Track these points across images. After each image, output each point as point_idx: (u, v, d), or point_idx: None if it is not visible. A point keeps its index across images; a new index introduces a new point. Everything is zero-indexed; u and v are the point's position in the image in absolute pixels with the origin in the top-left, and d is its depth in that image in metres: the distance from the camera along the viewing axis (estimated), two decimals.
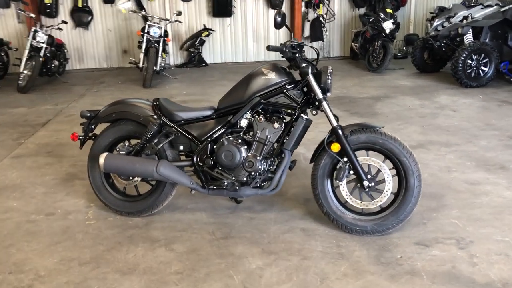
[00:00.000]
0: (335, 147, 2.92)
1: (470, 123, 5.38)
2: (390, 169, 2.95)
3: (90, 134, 3.39)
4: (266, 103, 3.04)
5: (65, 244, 3.01)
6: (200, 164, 3.11)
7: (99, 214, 3.41)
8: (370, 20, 8.94)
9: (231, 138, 3.06)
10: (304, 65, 2.98)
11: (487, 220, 3.13)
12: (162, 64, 8.35)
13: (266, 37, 10.46)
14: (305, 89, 3.04)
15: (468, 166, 4.10)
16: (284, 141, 3.02)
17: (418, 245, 2.86)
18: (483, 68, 7.12)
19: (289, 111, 3.05)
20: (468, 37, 7.35)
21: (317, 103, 2.97)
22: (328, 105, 2.98)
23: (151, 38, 8.09)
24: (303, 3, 10.17)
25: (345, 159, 2.94)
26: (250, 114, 3.08)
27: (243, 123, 3.10)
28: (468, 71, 7.08)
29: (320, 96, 2.94)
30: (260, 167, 3.01)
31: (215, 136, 3.11)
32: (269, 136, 3.01)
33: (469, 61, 7.05)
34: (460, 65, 7.01)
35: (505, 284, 2.46)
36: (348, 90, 7.43)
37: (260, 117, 3.03)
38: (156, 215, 3.34)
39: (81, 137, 3.37)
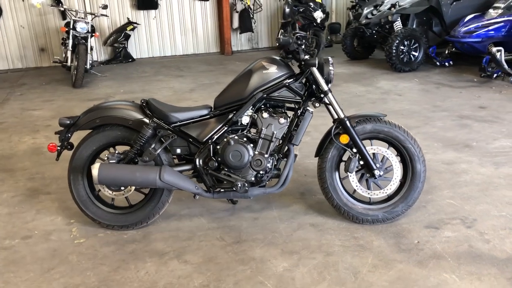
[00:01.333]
0: (344, 139, 2.89)
1: (419, 106, 5.67)
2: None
3: (66, 144, 3.04)
4: (268, 98, 2.92)
5: (61, 269, 2.67)
6: (204, 167, 2.92)
7: (85, 231, 3.07)
8: (300, 10, 9.05)
9: (236, 137, 2.90)
10: (307, 56, 2.90)
11: (478, 198, 3.30)
12: (90, 62, 7.78)
13: (194, 30, 10.19)
14: (304, 81, 2.96)
15: (436, 147, 4.31)
16: (291, 135, 2.93)
17: (429, 228, 2.94)
18: (413, 53, 7.53)
19: (291, 105, 2.96)
20: (398, 24, 7.72)
21: (322, 95, 2.91)
22: (333, 96, 2.93)
23: (77, 34, 7.49)
24: None
25: (354, 150, 2.92)
26: (251, 111, 2.94)
27: (245, 120, 2.96)
28: (401, 57, 7.44)
29: (326, 88, 2.89)
30: (268, 165, 2.90)
31: (217, 136, 2.93)
32: (275, 132, 2.90)
33: (402, 47, 7.42)
34: (394, 51, 7.35)
35: None
36: None
37: (264, 113, 2.91)
38: (150, 226, 3.10)
39: (58, 148, 3.01)
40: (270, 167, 2.92)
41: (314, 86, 2.94)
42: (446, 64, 7.79)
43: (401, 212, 2.97)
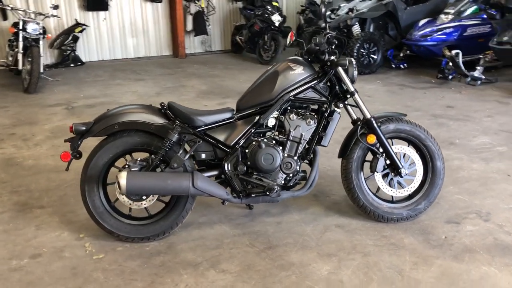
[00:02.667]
0: (371, 139, 2.91)
1: (391, 106, 5.86)
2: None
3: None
4: (294, 100, 2.88)
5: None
6: (233, 171, 2.81)
7: (100, 245, 2.85)
8: (258, 13, 9.06)
9: (266, 140, 2.83)
10: (333, 57, 2.89)
11: (483, 192, 3.46)
12: (43, 65, 7.28)
13: (146, 32, 9.86)
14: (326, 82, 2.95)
15: None
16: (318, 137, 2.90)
17: (450, 223, 3.04)
18: (372, 56, 7.80)
19: (316, 106, 2.94)
20: (356, 28, 7.95)
21: (348, 95, 2.92)
22: (359, 97, 2.94)
23: (28, 36, 6.97)
24: None
25: (381, 149, 2.95)
26: (277, 113, 2.88)
27: (271, 122, 2.89)
28: (361, 60, 7.68)
29: (352, 88, 2.90)
30: (297, 167, 2.85)
31: (244, 139, 2.83)
32: (303, 134, 2.87)
33: (362, 50, 7.65)
34: (355, 54, 7.57)
35: None
36: None
37: (292, 114, 2.86)
38: (171, 236, 2.93)
39: (72, 156, 2.77)
40: (298, 169, 2.88)
41: (337, 87, 2.94)
42: (402, 66, 8.14)
43: (423, 209, 3.04)
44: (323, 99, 2.91)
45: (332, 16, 8.38)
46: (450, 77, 7.13)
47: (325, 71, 2.94)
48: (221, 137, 2.84)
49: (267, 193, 2.79)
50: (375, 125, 2.91)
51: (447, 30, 7.32)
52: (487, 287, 2.40)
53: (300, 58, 2.97)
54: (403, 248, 2.77)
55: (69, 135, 2.83)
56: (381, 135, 2.91)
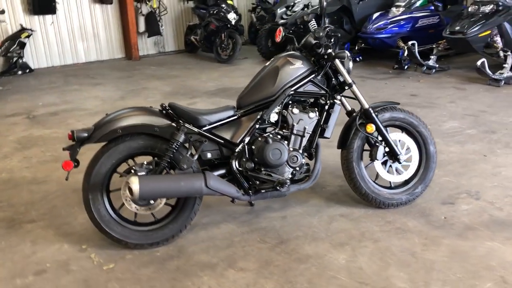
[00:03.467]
0: (371, 128, 2.99)
1: None
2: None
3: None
4: (295, 94, 2.90)
5: None
6: (240, 169, 2.80)
7: (107, 254, 2.75)
8: (213, 12, 9.00)
9: (271, 135, 2.83)
10: (330, 50, 2.94)
11: (466, 173, 3.65)
12: None
13: (96, 35, 9.54)
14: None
15: None
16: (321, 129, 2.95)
17: (445, 204, 3.18)
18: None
19: (316, 99, 2.99)
20: (313, 24, 8.09)
21: (346, 87, 2.98)
22: (357, 87, 3.02)
23: None
24: None
25: (380, 138, 3.04)
26: (279, 108, 2.89)
27: (273, 118, 2.90)
28: None
29: (350, 80, 2.96)
30: (302, 160, 2.88)
31: (249, 136, 2.82)
32: (306, 127, 2.90)
33: None
34: None
35: None
36: (220, 81, 7.41)
37: (295, 109, 2.88)
38: (178, 240, 2.87)
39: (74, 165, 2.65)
40: (303, 162, 2.91)
41: (334, 79, 3.00)
42: (357, 59, 8.38)
43: (420, 192, 3.17)
44: (322, 91, 2.96)
45: (288, 12, 8.49)
46: (406, 67, 7.42)
47: (321, 64, 2.98)
48: (226, 135, 2.81)
49: (278, 187, 2.80)
50: (373, 114, 2.99)
51: (400, 23, 7.61)
52: (495, 261, 2.54)
53: (297, 53, 2.99)
54: (409, 232, 2.87)
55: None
56: (380, 124, 3.00)
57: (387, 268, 2.52)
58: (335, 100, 2.98)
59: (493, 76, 6.25)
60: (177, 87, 7.11)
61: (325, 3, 3.03)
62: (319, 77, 2.95)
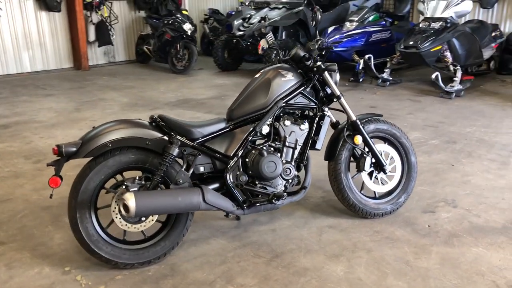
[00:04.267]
0: (358, 140, 3.04)
1: None
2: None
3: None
4: (287, 106, 2.90)
5: None
6: (235, 182, 2.74)
7: (94, 276, 2.59)
8: (168, 22, 8.86)
9: (265, 148, 2.80)
10: (319, 63, 2.97)
11: (439, 182, 3.79)
12: None
13: (43, 44, 9.09)
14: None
15: None
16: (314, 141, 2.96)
17: (427, 213, 3.29)
18: None
19: (303, 111, 3.00)
20: (270, 36, 8.18)
21: (335, 99, 3.02)
22: (345, 100, 3.06)
23: None
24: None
25: (366, 149, 3.09)
26: (271, 120, 2.88)
27: (265, 130, 2.88)
28: None
29: (338, 92, 3.00)
30: (295, 172, 2.88)
31: (242, 149, 2.78)
32: (298, 139, 2.90)
33: (279, 57, 7.88)
34: (273, 61, 7.78)
35: None
36: (180, 93, 7.29)
37: (286, 121, 2.88)
38: (168, 258, 2.76)
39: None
40: (296, 174, 2.90)
41: (321, 91, 3.03)
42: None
43: (403, 202, 3.25)
44: (312, 104, 2.98)
45: (245, 24, 8.52)
46: (361, 79, 7.67)
47: (308, 77, 3.00)
48: (220, 148, 2.75)
49: (273, 200, 2.77)
50: (360, 126, 3.04)
51: (355, 37, 7.87)
52: (484, 266, 2.65)
53: (287, 65, 2.99)
54: (399, 241, 2.93)
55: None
56: (366, 136, 3.06)
57: (385, 277, 2.56)
58: (324, 112, 3.00)
59: (445, 89, 6.58)
60: (135, 98, 6.91)
61: (319, 17, 3.05)
62: (308, 89, 2.97)
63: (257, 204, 2.79)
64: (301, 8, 8.24)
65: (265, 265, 2.69)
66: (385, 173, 3.16)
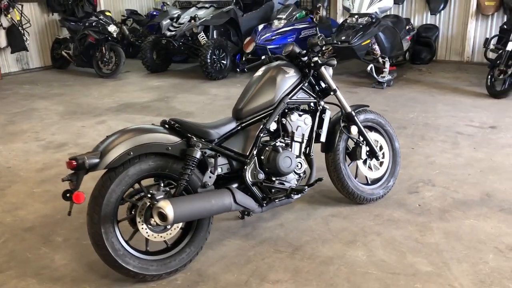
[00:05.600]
0: (354, 130, 3.19)
1: None
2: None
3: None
4: (290, 102, 2.96)
5: None
6: (254, 180, 2.74)
7: None
8: (91, 24, 8.41)
9: (278, 144, 2.84)
10: (316, 58, 3.05)
11: (408, 165, 4.09)
12: None
13: None
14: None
15: None
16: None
17: (412, 193, 3.54)
18: (223, 61, 8.10)
19: (306, 106, 3.09)
20: (202, 36, 8.14)
21: (332, 93, 3.13)
22: (340, 93, 3.19)
23: None
24: None
25: (361, 138, 3.25)
26: (277, 117, 2.92)
27: (273, 127, 2.91)
28: (214, 66, 7.91)
29: (334, 86, 3.12)
30: (305, 166, 2.95)
31: (256, 147, 2.79)
32: (304, 134, 2.98)
33: (214, 56, 7.89)
34: (209, 60, 7.76)
35: (490, 193, 3.46)
36: (117, 97, 6.98)
37: (293, 116, 2.94)
38: (190, 264, 2.69)
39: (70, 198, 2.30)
40: (306, 168, 2.98)
41: (316, 86, 3.13)
42: (246, 69, 8.64)
43: (392, 185, 3.47)
44: (311, 98, 3.06)
45: (175, 24, 8.37)
46: None
47: (304, 72, 3.07)
48: (236, 147, 2.74)
49: (292, 195, 2.81)
50: (356, 118, 3.19)
51: (286, 34, 8.10)
52: (482, 235, 2.93)
53: (286, 62, 3.04)
54: (400, 221, 3.13)
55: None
56: (361, 126, 3.22)
57: (404, 256, 2.73)
58: (325, 106, 3.10)
59: (378, 80, 7.05)
60: (71, 106, 6.49)
61: (324, 13, 3.13)
62: (306, 84, 3.05)
63: (276, 200, 2.82)
64: (231, 7, 8.28)
65: (290, 259, 2.73)
66: (377, 159, 3.34)
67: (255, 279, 2.55)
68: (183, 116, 5.85)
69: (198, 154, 2.51)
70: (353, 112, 3.20)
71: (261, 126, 2.83)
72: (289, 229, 3.06)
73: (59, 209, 3.43)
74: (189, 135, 2.56)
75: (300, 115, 2.98)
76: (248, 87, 2.94)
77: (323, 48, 3.14)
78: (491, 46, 6.77)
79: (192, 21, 8.19)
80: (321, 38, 3.02)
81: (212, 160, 2.60)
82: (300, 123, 2.96)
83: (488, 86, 6.46)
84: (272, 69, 2.97)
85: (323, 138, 3.07)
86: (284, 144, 2.89)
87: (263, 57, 3.29)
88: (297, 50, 3.03)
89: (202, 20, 8.11)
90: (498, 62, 6.34)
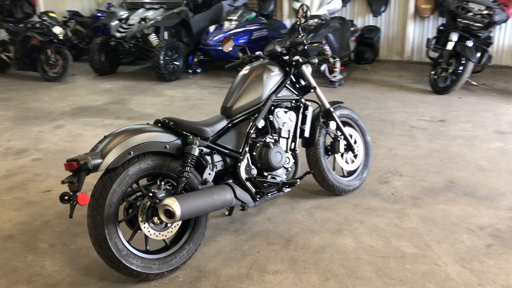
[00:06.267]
0: (332, 126, 3.35)
1: None
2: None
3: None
4: (276, 99, 3.06)
5: None
6: (248, 176, 2.82)
7: None
8: (33, 25, 8.06)
9: (268, 140, 2.93)
10: (297, 57, 3.17)
11: (375, 157, 4.30)
12: None
13: None
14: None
15: None
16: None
17: (383, 183, 3.76)
18: (176, 63, 8.06)
19: (289, 103, 3.20)
20: (153, 37, 8.05)
21: (312, 90, 3.27)
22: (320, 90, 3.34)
23: None
24: None
25: (339, 133, 3.42)
26: (265, 113, 3.01)
27: (261, 124, 3.00)
28: (167, 67, 7.86)
29: (314, 83, 3.26)
30: (293, 161, 3.07)
31: (248, 143, 2.86)
32: (290, 130, 3.09)
33: (167, 58, 7.83)
34: (162, 62, 7.70)
35: (452, 180, 3.75)
36: (70, 101, 6.75)
37: (279, 113, 3.04)
38: (189, 261, 2.73)
39: (74, 199, 2.27)
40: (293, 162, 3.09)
41: (297, 83, 3.26)
42: (198, 71, 8.68)
43: (366, 176, 3.67)
44: (294, 95, 3.19)
45: (124, 26, 8.22)
46: None
47: (285, 71, 3.19)
48: (230, 144, 2.80)
49: (283, 189, 2.91)
50: (334, 113, 3.35)
51: (238, 35, 8.20)
52: (454, 218, 3.18)
53: (270, 60, 3.14)
54: (378, 209, 3.33)
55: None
56: (338, 121, 3.38)
57: (389, 241, 2.92)
58: (306, 102, 3.23)
59: (331, 79, 7.33)
60: (21, 111, 6.22)
61: (309, 13, 3.24)
62: (288, 82, 3.17)
63: (269, 194, 2.91)
64: (182, 8, 8.25)
65: (284, 250, 2.83)
66: (353, 153, 3.53)
67: (255, 271, 2.62)
68: (144, 117, 5.79)
69: (196, 152, 2.55)
70: (331, 108, 3.35)
71: (251, 123, 2.91)
72: (277, 222, 3.16)
73: (36, 215, 3.31)
74: (185, 133, 2.59)
75: (285, 112, 3.10)
76: (235, 85, 3.01)
77: (306, 47, 3.26)
78: (431, 46, 7.25)
79: (142, 22, 8.08)
80: (304, 37, 3.15)
81: (209, 157, 2.65)
82: (286, 120, 3.08)
83: (431, 83, 6.92)
84: (258, 67, 3.05)
85: (307, 134, 3.20)
86: (273, 140, 2.99)
87: (241, 55, 3.36)
88: (279, 49, 3.14)
89: (153, 21, 8.02)
90: (440, 60, 6.81)
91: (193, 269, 2.66)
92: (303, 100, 3.27)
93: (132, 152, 2.37)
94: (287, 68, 3.18)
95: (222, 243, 2.92)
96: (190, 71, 8.61)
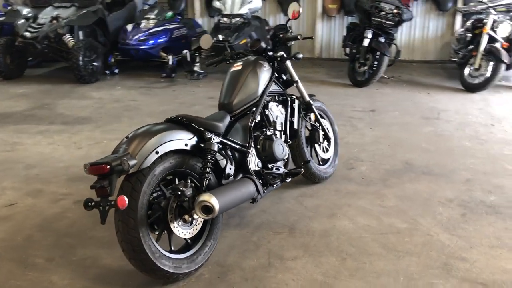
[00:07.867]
0: (312, 117, 3.54)
1: (170, 105, 6.23)
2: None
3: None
4: (269, 93, 3.17)
5: None
6: (256, 169, 2.88)
7: None
8: None
9: (268, 133, 3.02)
10: (281, 52, 3.30)
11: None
12: None
13: None
14: None
15: None
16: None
17: (350, 169, 4.05)
18: (94, 63, 7.66)
19: (278, 97, 3.32)
20: (69, 37, 7.56)
21: (295, 84, 3.42)
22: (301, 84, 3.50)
23: None
24: None
25: (317, 124, 3.61)
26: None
27: (258, 117, 3.08)
28: (87, 68, 7.45)
29: (297, 77, 3.42)
30: (289, 152, 3.20)
31: (251, 137, 2.93)
32: (282, 123, 3.21)
33: (86, 59, 7.42)
34: (81, 63, 7.29)
35: (407, 161, 4.16)
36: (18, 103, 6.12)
37: (273, 106, 3.14)
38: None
39: (108, 204, 2.17)
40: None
41: (279, 78, 3.40)
42: (116, 71, 8.34)
43: (337, 164, 3.92)
44: (281, 89, 3.31)
45: (34, 25, 7.60)
46: (173, 75, 7.94)
47: (271, 66, 3.30)
48: (238, 139, 2.84)
49: (286, 179, 3.03)
50: (313, 106, 3.54)
51: (159, 34, 8.04)
52: (424, 194, 3.55)
53: (260, 56, 3.22)
54: (358, 193, 3.59)
55: None
56: (317, 113, 3.58)
57: (381, 219, 3.19)
58: (292, 96, 3.37)
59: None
60: None
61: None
62: (275, 77, 3.29)
63: (274, 185, 3.00)
64: (98, 6, 7.86)
65: (292, 238, 2.95)
66: (329, 142, 3.75)
67: (275, 260, 2.71)
68: (80, 121, 5.48)
69: (216, 147, 2.56)
70: (311, 101, 3.53)
71: (251, 118, 2.98)
72: (273, 213, 3.27)
73: (12, 231, 3.04)
74: (202, 129, 2.58)
75: (277, 106, 3.21)
76: (231, 81, 3.04)
77: (293, 42, 3.39)
78: (348, 44, 7.79)
79: (55, 21, 7.55)
80: (293, 33, 3.28)
81: (227, 152, 2.67)
82: (278, 113, 3.19)
83: (351, 77, 7.46)
84: (252, 62, 3.12)
85: (296, 126, 3.34)
86: (272, 133, 3.08)
87: (225, 52, 3.39)
88: (264, 45, 3.24)
89: (68, 20, 7.53)
90: (357, 56, 7.36)
91: (214, 265, 2.66)
92: (288, 93, 3.40)
93: (159, 151, 2.32)
94: (271, 63, 3.29)
95: (231, 238, 2.94)
96: (108, 72, 8.24)
